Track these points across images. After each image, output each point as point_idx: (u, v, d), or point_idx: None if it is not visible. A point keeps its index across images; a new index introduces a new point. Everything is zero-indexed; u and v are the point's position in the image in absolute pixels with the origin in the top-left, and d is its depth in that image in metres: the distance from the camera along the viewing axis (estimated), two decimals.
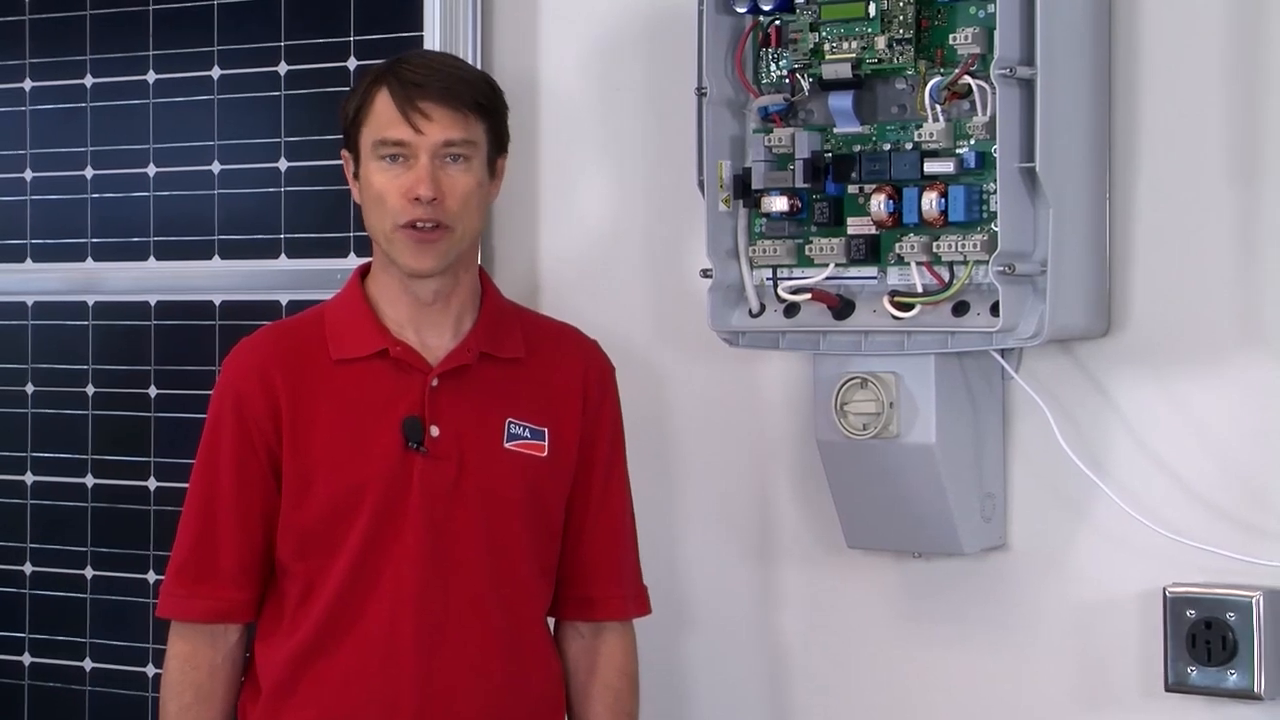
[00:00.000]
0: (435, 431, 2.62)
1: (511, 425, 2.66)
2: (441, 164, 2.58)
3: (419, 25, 3.19)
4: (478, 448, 2.63)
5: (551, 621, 2.78)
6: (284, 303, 3.30)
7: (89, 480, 3.54)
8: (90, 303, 3.54)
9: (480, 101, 2.62)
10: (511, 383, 2.68)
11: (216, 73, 3.40)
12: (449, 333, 2.66)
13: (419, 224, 2.57)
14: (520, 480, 2.66)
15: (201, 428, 2.70)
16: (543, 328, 2.78)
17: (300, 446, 2.62)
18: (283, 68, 3.34)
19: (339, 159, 2.69)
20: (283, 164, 3.33)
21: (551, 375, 2.71)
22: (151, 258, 3.48)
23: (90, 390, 3.55)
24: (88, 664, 3.55)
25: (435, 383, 2.63)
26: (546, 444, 2.68)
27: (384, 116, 2.58)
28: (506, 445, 2.65)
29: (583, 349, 2.77)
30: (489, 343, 2.67)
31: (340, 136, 2.68)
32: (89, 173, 3.53)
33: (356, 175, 2.64)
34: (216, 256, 3.41)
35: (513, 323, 2.72)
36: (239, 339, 2.74)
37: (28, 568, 3.61)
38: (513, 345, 2.69)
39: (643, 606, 2.81)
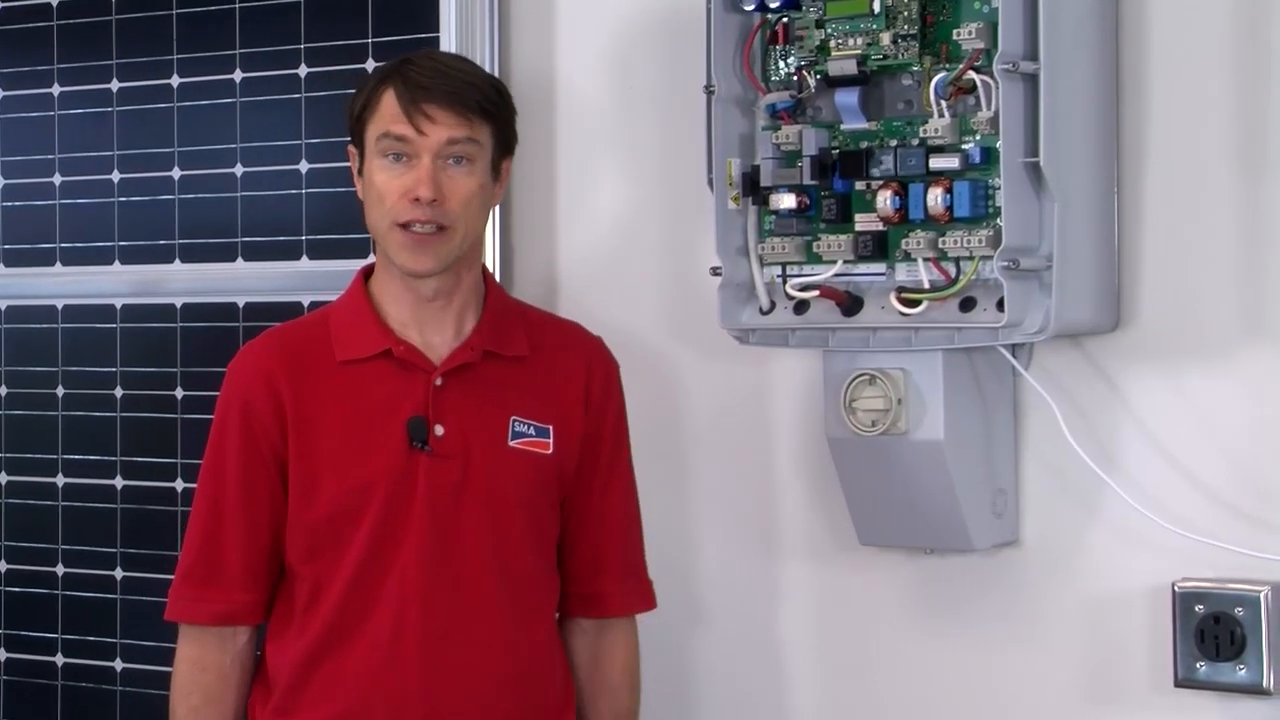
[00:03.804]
0: (440, 431, 2.62)
1: (516, 423, 2.66)
2: (444, 165, 2.59)
3: (436, 26, 3.21)
4: (483, 446, 2.64)
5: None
6: (306, 304, 3.31)
7: (118, 482, 3.56)
8: (118, 305, 3.57)
9: (485, 105, 2.62)
10: (516, 381, 2.68)
11: (238, 76, 3.42)
12: (451, 331, 2.67)
13: (416, 225, 2.58)
14: (526, 478, 2.66)
15: None
16: (547, 325, 2.78)
17: (306, 449, 2.63)
18: (303, 70, 3.36)
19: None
20: (304, 166, 3.35)
21: (555, 373, 2.71)
22: (177, 260, 3.50)
23: (119, 392, 3.57)
24: (118, 664, 3.57)
25: (439, 382, 2.63)
26: (552, 441, 2.68)
27: (389, 114, 2.59)
28: (511, 444, 2.65)
29: (586, 347, 2.77)
30: (493, 341, 2.67)
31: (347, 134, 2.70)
32: (116, 176, 3.56)
33: (361, 171, 2.65)
34: (240, 259, 3.43)
35: (516, 321, 2.72)
36: None
37: (59, 569, 3.64)
38: (517, 343, 2.69)
39: (647, 601, 2.80)
